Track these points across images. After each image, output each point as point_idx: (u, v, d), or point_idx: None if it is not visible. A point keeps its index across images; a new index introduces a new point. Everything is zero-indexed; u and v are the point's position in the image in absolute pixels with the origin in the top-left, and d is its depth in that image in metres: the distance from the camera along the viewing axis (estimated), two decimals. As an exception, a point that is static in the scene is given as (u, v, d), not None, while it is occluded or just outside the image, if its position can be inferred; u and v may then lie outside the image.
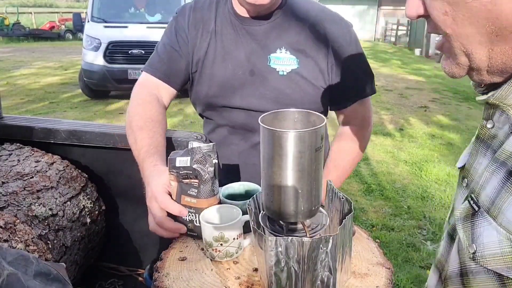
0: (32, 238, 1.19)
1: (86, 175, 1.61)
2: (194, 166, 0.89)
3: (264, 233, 0.78)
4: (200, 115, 1.36)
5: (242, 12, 1.18)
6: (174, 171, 0.92)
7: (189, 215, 0.93)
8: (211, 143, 0.96)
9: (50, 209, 1.37)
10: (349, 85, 1.20)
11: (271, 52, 1.17)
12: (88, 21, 7.28)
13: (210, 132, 1.35)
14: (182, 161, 0.90)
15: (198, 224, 0.92)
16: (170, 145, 1.48)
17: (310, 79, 1.17)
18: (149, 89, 1.23)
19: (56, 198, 1.42)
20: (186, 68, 1.25)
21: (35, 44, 18.56)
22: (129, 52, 6.86)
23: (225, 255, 0.88)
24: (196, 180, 0.90)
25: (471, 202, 0.59)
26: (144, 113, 1.17)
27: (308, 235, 0.77)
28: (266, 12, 1.16)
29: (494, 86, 0.57)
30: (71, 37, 20.51)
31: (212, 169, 0.90)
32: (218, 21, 1.21)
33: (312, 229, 0.80)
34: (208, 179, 0.90)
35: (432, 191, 3.79)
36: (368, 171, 4.23)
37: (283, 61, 1.16)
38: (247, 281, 0.82)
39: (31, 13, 25.28)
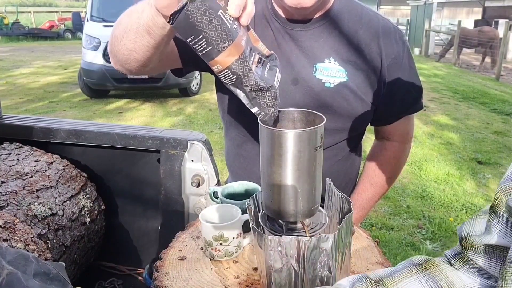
0: (31, 237, 1.19)
1: (86, 175, 1.61)
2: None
3: (264, 233, 0.78)
4: (226, 126, 1.24)
5: (284, 13, 1.06)
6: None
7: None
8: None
9: (50, 208, 1.37)
10: (399, 101, 1.13)
11: (318, 61, 1.05)
12: (88, 21, 7.28)
13: (237, 146, 1.21)
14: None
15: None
16: (170, 145, 1.48)
17: (359, 93, 1.06)
18: None
19: (56, 198, 1.42)
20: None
21: (34, 43, 18.54)
22: (129, 51, 6.84)
23: (225, 254, 0.88)
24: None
25: None
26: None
27: (307, 235, 0.77)
28: (312, 16, 1.05)
29: None
30: (70, 36, 20.50)
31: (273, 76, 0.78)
32: (256, 19, 1.07)
33: (312, 228, 0.80)
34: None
35: (431, 190, 3.79)
36: (367, 171, 4.23)
37: (331, 72, 1.04)
38: (247, 281, 0.83)
39: (30, 12, 25.25)
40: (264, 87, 0.71)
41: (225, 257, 0.89)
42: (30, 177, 1.41)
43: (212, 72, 1.12)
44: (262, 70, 0.75)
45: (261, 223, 0.80)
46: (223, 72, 0.67)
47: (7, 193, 1.31)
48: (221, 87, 1.18)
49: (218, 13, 0.62)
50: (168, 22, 0.63)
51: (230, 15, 0.64)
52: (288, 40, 1.06)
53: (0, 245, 0.77)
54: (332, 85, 1.05)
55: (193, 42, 0.63)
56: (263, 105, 0.72)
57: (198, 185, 1.46)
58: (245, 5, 0.66)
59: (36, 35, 20.05)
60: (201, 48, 0.64)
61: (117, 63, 0.97)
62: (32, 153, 1.53)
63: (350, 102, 1.07)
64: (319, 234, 0.74)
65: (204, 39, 0.63)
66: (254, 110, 0.73)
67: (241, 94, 0.71)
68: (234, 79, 0.68)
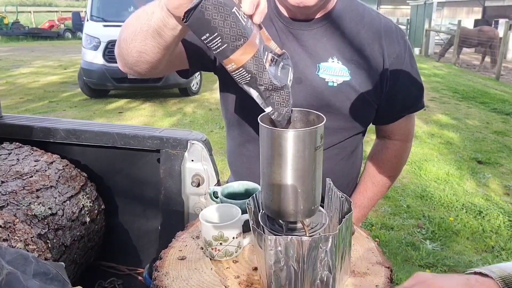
0: (31, 237, 1.19)
1: (86, 174, 1.61)
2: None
3: (264, 232, 0.78)
4: (228, 125, 1.23)
5: (287, 12, 1.06)
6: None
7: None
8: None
9: (50, 208, 1.36)
10: (401, 100, 1.13)
11: (322, 60, 1.05)
12: (88, 20, 7.28)
13: (239, 146, 1.21)
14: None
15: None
16: (170, 145, 1.48)
17: (362, 92, 1.07)
18: None
19: (56, 197, 1.42)
20: (212, 61, 1.09)
21: (34, 43, 18.54)
22: (129, 51, 6.84)
23: (225, 254, 0.88)
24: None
25: None
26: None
27: (307, 234, 0.77)
28: (314, 15, 1.05)
29: None
30: (70, 36, 20.50)
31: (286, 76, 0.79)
32: None
33: (312, 228, 0.80)
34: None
35: (431, 190, 3.79)
36: (367, 170, 4.22)
37: (334, 71, 1.05)
38: (247, 280, 0.82)
39: (30, 12, 25.25)
40: (278, 86, 0.70)
41: (225, 257, 0.88)
42: (30, 177, 1.41)
43: (216, 72, 1.13)
44: (275, 69, 0.75)
45: (261, 223, 0.80)
46: (238, 71, 0.66)
47: (7, 193, 1.30)
48: (225, 86, 1.17)
49: (233, 10, 0.62)
50: (182, 20, 0.62)
51: (244, 13, 0.64)
52: (292, 39, 1.06)
53: (0, 245, 0.77)
54: (335, 84, 1.05)
55: (208, 40, 0.62)
56: (277, 105, 0.72)
57: (198, 185, 1.46)
58: (258, 2, 0.65)
59: (36, 34, 20.04)
60: (216, 46, 0.63)
61: (125, 66, 0.97)
62: (32, 153, 1.53)
63: (353, 101, 1.07)
64: (319, 234, 0.74)
65: (219, 37, 0.62)
66: (268, 109, 0.72)
67: (254, 94, 0.70)
68: (249, 78, 0.67)
